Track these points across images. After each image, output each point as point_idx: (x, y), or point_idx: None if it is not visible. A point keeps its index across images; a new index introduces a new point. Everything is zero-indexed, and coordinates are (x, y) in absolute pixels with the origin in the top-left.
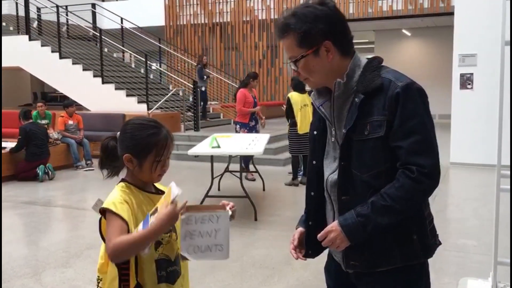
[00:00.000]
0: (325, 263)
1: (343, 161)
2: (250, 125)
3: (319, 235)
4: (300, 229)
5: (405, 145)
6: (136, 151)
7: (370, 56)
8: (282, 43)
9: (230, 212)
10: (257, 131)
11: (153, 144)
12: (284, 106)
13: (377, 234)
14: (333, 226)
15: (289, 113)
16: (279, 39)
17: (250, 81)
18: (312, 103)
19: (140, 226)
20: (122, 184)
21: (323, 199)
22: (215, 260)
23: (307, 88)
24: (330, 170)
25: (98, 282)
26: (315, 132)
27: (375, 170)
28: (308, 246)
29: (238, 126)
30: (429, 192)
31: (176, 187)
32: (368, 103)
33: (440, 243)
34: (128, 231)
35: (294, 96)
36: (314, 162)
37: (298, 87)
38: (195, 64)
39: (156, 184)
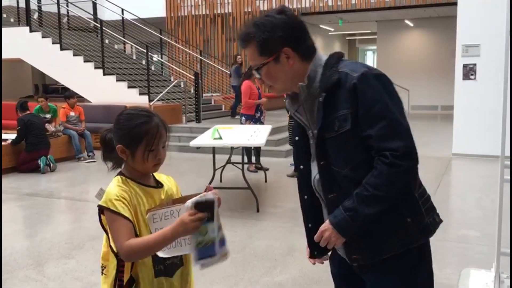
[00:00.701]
0: (330, 255)
1: (321, 161)
2: (255, 117)
3: (315, 237)
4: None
5: (373, 133)
6: (127, 141)
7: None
8: (246, 52)
9: (190, 204)
10: (261, 123)
11: (143, 133)
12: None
13: (370, 223)
14: (325, 225)
15: None
16: (243, 49)
17: (253, 72)
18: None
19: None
20: (118, 178)
21: (317, 200)
22: (186, 253)
23: None
24: (316, 171)
25: (102, 269)
26: (296, 138)
27: (353, 163)
28: (313, 248)
29: (243, 118)
30: (408, 173)
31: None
32: (332, 100)
33: (441, 221)
34: (134, 229)
35: None
36: (301, 167)
37: None
38: (232, 63)
39: (157, 176)
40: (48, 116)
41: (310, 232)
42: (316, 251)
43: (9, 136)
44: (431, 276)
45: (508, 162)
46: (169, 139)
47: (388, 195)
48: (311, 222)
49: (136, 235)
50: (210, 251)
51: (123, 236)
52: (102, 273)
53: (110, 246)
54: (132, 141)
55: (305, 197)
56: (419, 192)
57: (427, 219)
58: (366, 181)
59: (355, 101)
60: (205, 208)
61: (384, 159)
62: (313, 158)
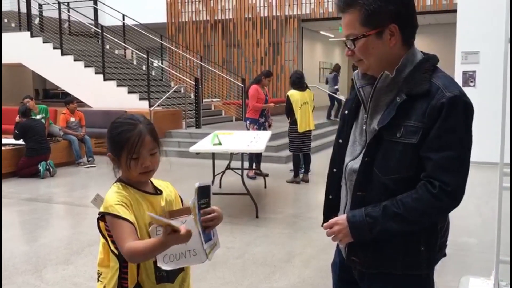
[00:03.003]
0: (332, 260)
1: (367, 157)
2: (260, 121)
3: (325, 225)
4: None
5: (435, 158)
6: (112, 149)
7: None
8: (342, 17)
9: (190, 218)
10: (265, 128)
11: (124, 141)
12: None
13: (384, 238)
14: (340, 219)
15: (289, 112)
16: (340, 12)
17: (262, 78)
18: (352, 82)
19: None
20: (117, 184)
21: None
22: (191, 265)
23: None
24: (351, 156)
25: (99, 276)
26: (346, 112)
27: (397, 175)
28: (327, 218)
29: (248, 122)
30: (446, 211)
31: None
32: (409, 105)
33: (445, 255)
34: (137, 231)
35: (293, 94)
36: (340, 141)
37: (297, 84)
38: (331, 71)
39: (155, 183)
40: (39, 116)
41: (329, 203)
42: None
43: (9, 141)
44: None
45: (507, 170)
46: (161, 146)
47: (416, 222)
48: (332, 194)
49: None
50: (209, 235)
51: (126, 238)
52: (98, 279)
53: (112, 251)
54: (116, 149)
55: (334, 170)
56: (441, 225)
57: (437, 253)
58: (401, 198)
59: (434, 119)
60: (205, 194)
61: (430, 187)
62: (356, 138)
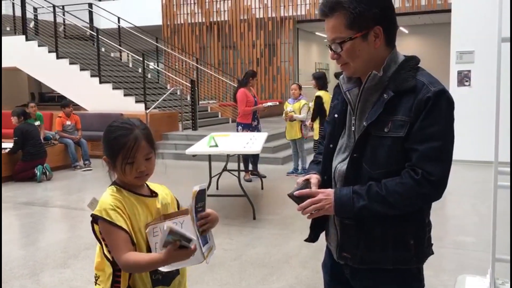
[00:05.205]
0: (322, 260)
1: (355, 153)
2: (253, 125)
3: (306, 191)
4: (316, 175)
5: (420, 149)
6: (108, 153)
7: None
8: (327, 21)
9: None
10: (259, 131)
11: (120, 145)
12: (307, 107)
13: (366, 215)
14: (327, 190)
15: (321, 112)
16: (323, 17)
17: (250, 80)
18: (335, 88)
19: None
20: (112, 187)
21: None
22: (188, 266)
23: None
24: (340, 159)
25: (96, 279)
26: (336, 115)
27: (386, 169)
28: (312, 230)
29: (240, 127)
30: (427, 199)
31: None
32: (396, 101)
33: (432, 253)
34: (131, 239)
35: (324, 94)
36: (331, 145)
37: (326, 85)
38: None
39: (151, 186)
40: (37, 123)
41: (315, 219)
42: (313, 235)
43: (7, 145)
44: None
45: (502, 168)
46: (157, 150)
47: (396, 206)
48: None
49: (133, 244)
50: (205, 238)
51: (121, 249)
52: (95, 283)
53: (105, 255)
54: (111, 153)
55: (325, 177)
56: (428, 221)
57: (425, 247)
58: (386, 182)
59: (419, 113)
60: (202, 198)
61: (413, 174)
62: (343, 142)
